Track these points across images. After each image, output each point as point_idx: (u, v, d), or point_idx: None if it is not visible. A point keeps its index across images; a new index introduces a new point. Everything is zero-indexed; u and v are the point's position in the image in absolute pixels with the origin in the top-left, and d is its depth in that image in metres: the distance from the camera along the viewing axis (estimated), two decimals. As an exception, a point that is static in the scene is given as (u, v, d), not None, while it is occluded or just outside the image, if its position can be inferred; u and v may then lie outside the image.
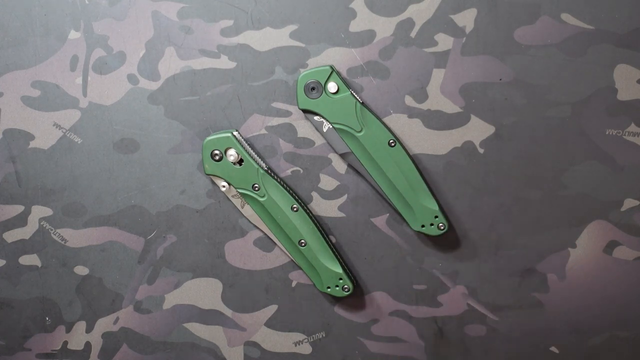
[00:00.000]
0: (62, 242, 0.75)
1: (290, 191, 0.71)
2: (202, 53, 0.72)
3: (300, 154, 0.73)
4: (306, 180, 0.73)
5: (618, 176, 0.70)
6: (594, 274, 0.72)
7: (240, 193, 0.71)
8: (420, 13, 0.70)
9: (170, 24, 0.72)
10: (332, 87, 0.69)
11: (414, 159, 0.71)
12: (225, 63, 0.72)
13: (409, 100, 0.71)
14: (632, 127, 0.69)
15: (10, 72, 0.73)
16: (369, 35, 0.70)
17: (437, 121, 0.71)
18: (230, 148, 0.71)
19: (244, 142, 0.71)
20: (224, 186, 0.72)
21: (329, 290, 0.72)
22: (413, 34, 0.70)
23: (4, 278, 0.76)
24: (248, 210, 0.72)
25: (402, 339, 0.74)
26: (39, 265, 0.76)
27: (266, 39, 0.71)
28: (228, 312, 0.75)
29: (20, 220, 0.75)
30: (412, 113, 0.71)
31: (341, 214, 0.73)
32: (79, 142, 0.74)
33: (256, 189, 0.71)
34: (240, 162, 0.71)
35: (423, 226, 0.70)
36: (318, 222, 0.72)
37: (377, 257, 0.73)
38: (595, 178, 0.70)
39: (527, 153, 0.70)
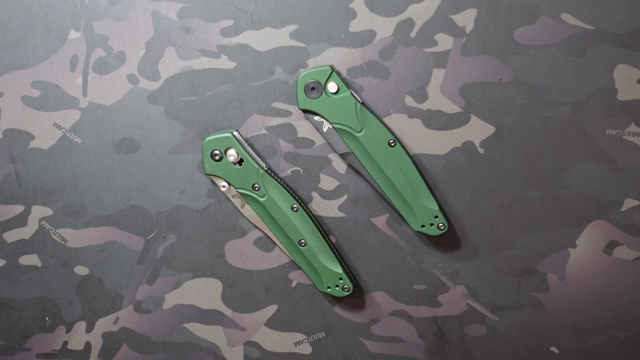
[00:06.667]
0: (62, 242, 0.75)
1: (290, 191, 0.71)
2: (202, 53, 0.72)
3: (300, 154, 0.73)
4: (306, 180, 0.73)
5: (618, 176, 0.70)
6: (594, 274, 0.71)
7: (240, 193, 0.71)
8: (420, 13, 0.69)
9: (170, 24, 0.72)
10: (332, 87, 0.69)
11: (414, 159, 0.71)
12: (225, 63, 0.72)
13: (409, 100, 0.71)
14: (632, 127, 0.69)
15: (10, 72, 0.73)
16: (369, 35, 0.70)
17: (437, 121, 0.71)
18: (230, 148, 0.71)
19: (244, 142, 0.71)
20: (224, 186, 0.72)
21: (329, 290, 0.72)
22: (413, 34, 0.70)
23: (4, 278, 0.76)
24: (248, 210, 0.72)
25: (402, 339, 0.74)
26: (39, 265, 0.76)
27: (266, 39, 0.71)
28: (228, 312, 0.75)
29: (20, 220, 0.75)
30: (412, 113, 0.71)
31: (341, 214, 0.73)
32: (79, 142, 0.74)
33: (256, 189, 0.71)
34: (240, 162, 0.71)
35: (423, 226, 0.70)
36: (318, 222, 0.72)
37: (377, 257, 0.73)
38: (595, 178, 0.70)
39: (527, 153, 0.70)
